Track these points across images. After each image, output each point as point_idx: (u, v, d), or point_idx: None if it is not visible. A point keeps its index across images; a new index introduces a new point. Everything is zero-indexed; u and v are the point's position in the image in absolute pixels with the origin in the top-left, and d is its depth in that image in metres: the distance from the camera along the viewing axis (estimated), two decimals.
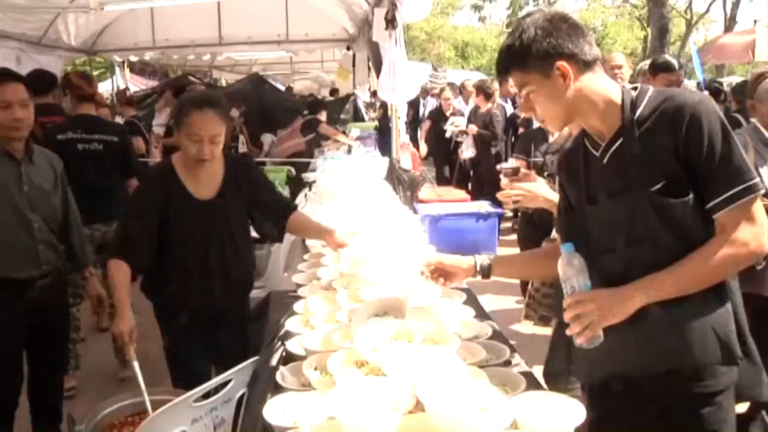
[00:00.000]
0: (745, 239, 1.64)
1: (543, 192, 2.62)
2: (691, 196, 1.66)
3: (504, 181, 2.71)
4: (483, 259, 2.19)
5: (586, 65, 1.75)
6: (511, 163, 3.44)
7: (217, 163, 2.89)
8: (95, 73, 15.34)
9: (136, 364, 2.34)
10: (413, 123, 14.07)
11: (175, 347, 2.88)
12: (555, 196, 2.85)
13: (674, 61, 4.90)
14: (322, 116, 9.50)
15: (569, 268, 1.72)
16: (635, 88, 1.80)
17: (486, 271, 2.18)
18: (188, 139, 2.74)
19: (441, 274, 2.25)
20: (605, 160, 1.79)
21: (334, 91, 15.45)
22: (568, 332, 1.68)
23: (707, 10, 29.69)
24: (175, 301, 2.85)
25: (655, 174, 1.68)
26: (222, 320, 2.97)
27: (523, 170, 2.90)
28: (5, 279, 3.04)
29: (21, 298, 3.08)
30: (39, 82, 4.96)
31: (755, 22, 14.72)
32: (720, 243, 1.66)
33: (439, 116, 10.52)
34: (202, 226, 2.85)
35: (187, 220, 2.82)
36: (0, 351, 3.05)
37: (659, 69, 4.73)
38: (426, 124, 10.99)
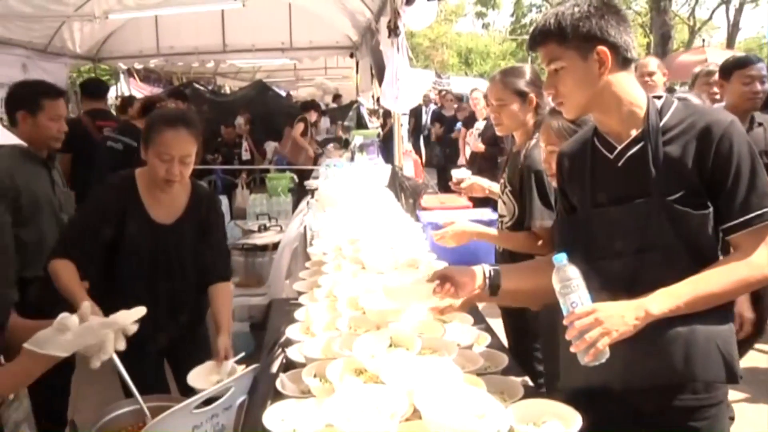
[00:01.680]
0: (761, 263, 1.64)
1: (470, 228, 3.04)
2: (710, 209, 1.65)
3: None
4: (489, 267, 2.05)
5: (624, 62, 1.73)
6: (462, 172, 3.64)
7: (182, 186, 2.76)
8: None
9: (118, 362, 1.98)
10: (416, 131, 14.11)
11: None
12: (482, 228, 3.05)
13: (751, 56, 4.10)
14: (312, 116, 9.60)
15: (567, 283, 1.64)
16: (659, 97, 1.78)
17: (495, 279, 2.01)
18: (157, 158, 2.58)
19: (451, 284, 2.04)
20: (620, 163, 1.76)
21: (336, 98, 15.53)
22: (572, 350, 1.61)
23: (710, 17, 29.72)
24: None
25: (675, 183, 1.66)
26: (181, 343, 2.84)
27: (468, 180, 3.43)
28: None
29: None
30: (95, 88, 5.48)
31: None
32: (737, 264, 1.64)
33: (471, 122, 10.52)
34: (155, 250, 2.71)
35: (140, 240, 2.68)
36: None
37: (735, 67, 3.86)
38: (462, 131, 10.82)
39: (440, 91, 14.93)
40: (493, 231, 3.05)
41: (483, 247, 3.22)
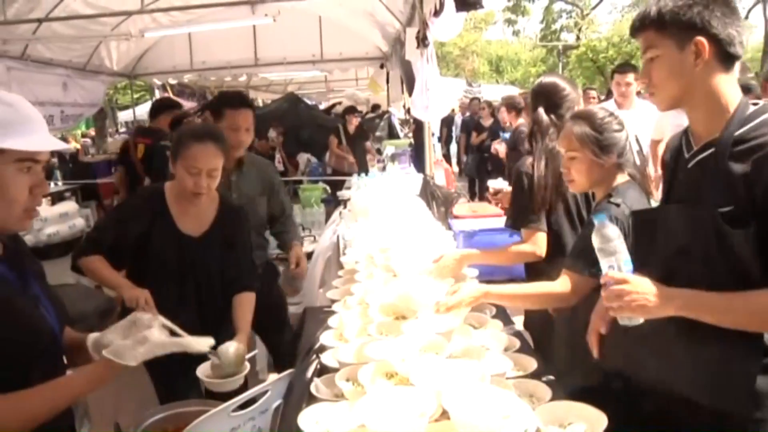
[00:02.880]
0: None
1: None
2: (751, 229, 1.56)
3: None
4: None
5: (725, 57, 1.65)
6: (498, 182, 3.72)
7: (209, 199, 2.86)
8: (136, 96, 15.78)
9: (164, 320, 1.93)
10: (447, 140, 14.15)
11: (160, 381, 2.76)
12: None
13: None
14: (352, 122, 9.95)
15: (607, 244, 1.65)
16: (756, 104, 1.69)
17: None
18: (186, 171, 2.68)
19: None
20: (690, 165, 1.75)
21: (375, 107, 15.50)
22: (605, 304, 1.67)
23: (746, 16, 29.27)
24: None
25: (727, 196, 1.60)
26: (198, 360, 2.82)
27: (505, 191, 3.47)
28: None
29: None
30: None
31: None
32: None
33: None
34: (183, 262, 2.79)
35: (168, 251, 2.76)
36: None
37: None
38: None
39: (472, 99, 14.93)
40: (502, 289, 2.59)
41: (508, 243, 3.24)
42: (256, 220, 3.56)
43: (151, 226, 2.74)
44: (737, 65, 1.70)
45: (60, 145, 1.73)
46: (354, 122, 10.48)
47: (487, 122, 11.87)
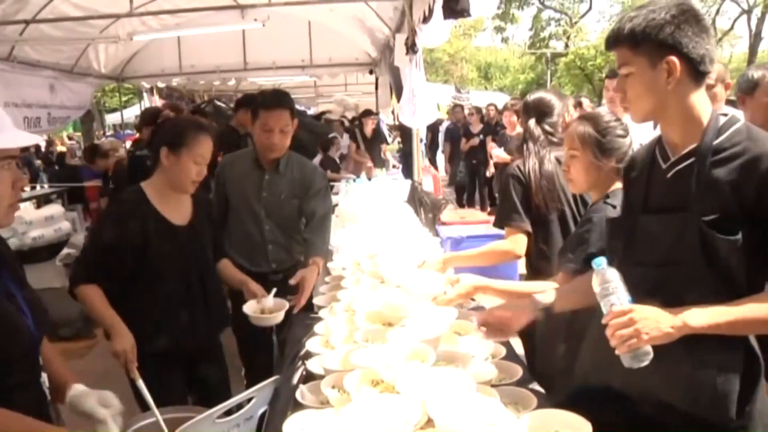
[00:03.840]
0: None
1: (478, 283, 2.65)
2: (739, 236, 1.61)
3: None
4: (540, 298, 2.13)
5: (696, 74, 1.69)
6: (501, 151, 3.82)
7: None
8: (124, 99, 15.74)
9: (141, 383, 2.28)
10: (432, 146, 14.18)
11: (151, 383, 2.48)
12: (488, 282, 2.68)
13: None
14: (368, 124, 10.36)
15: (607, 285, 1.65)
16: (725, 114, 1.74)
17: (550, 307, 2.11)
18: (192, 161, 2.76)
19: (498, 326, 2.19)
20: (669, 175, 1.76)
21: (367, 112, 15.49)
22: (614, 349, 1.61)
23: (732, 27, 29.55)
24: (152, 332, 2.71)
25: (712, 205, 1.64)
26: (202, 353, 2.96)
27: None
28: (243, 270, 3.31)
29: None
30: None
31: None
32: None
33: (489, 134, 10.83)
34: (182, 252, 2.83)
35: (168, 246, 2.79)
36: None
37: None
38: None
39: (455, 107, 14.94)
40: (497, 283, 2.71)
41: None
42: (280, 219, 3.62)
43: (145, 228, 2.74)
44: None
45: (33, 139, 1.75)
46: (371, 124, 10.52)
47: (477, 128, 11.93)
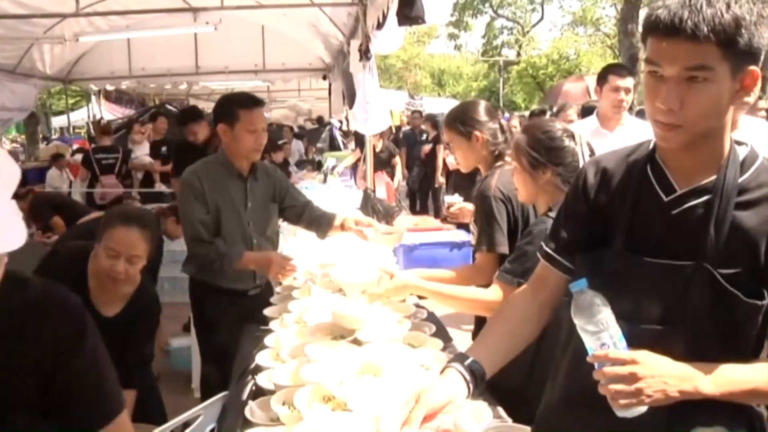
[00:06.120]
0: None
1: (411, 282, 2.59)
2: (766, 300, 1.31)
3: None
4: (464, 364, 1.52)
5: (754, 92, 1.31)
6: (453, 198, 3.77)
7: (129, 284, 2.75)
8: (71, 101, 15.35)
9: None
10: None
11: None
12: (422, 284, 2.58)
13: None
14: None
15: (595, 319, 1.33)
16: (740, 144, 1.41)
17: (481, 377, 1.52)
18: (104, 252, 2.62)
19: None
20: (675, 211, 1.39)
21: (319, 119, 15.43)
22: (602, 392, 1.31)
23: None
24: None
25: (733, 256, 1.33)
26: None
27: (458, 205, 3.48)
28: (223, 289, 3.26)
29: (235, 307, 3.25)
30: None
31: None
32: None
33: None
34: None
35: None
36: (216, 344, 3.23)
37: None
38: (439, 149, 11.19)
39: (413, 113, 15.05)
40: (430, 285, 2.58)
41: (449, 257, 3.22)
42: (270, 229, 3.48)
43: None
44: None
45: None
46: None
47: (431, 134, 12.00)
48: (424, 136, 11.90)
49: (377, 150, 10.39)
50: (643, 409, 1.29)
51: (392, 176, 10.34)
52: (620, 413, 1.30)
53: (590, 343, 1.34)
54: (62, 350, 1.42)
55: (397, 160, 10.77)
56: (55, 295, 1.47)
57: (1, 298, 1.28)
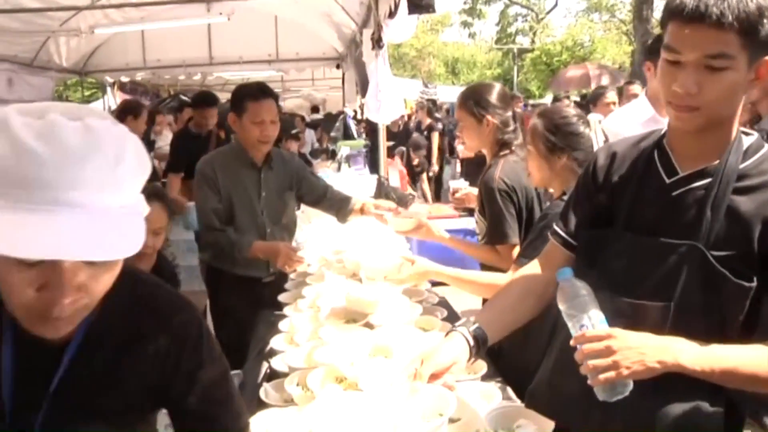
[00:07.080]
0: None
1: (431, 268, 2.66)
2: (754, 283, 1.34)
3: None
4: (469, 330, 1.64)
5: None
6: (458, 183, 3.78)
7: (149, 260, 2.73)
8: (86, 93, 15.46)
9: None
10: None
11: None
12: (441, 269, 2.63)
13: None
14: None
15: (575, 302, 1.39)
16: (747, 134, 1.45)
17: (483, 342, 1.64)
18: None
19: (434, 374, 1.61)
20: (675, 193, 1.44)
21: (315, 109, 15.57)
22: (583, 372, 1.34)
23: None
24: None
25: (727, 239, 1.36)
26: None
27: (463, 191, 3.50)
28: (238, 276, 3.32)
29: (250, 293, 3.32)
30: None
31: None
32: None
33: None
34: None
35: None
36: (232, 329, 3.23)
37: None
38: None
39: (427, 101, 15.08)
40: (450, 270, 2.63)
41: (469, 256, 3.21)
42: (286, 217, 3.52)
43: None
44: None
45: None
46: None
47: (425, 123, 12.20)
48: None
49: (414, 163, 10.68)
50: (625, 392, 1.31)
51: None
52: (602, 396, 1.32)
53: (573, 329, 1.38)
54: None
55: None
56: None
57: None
